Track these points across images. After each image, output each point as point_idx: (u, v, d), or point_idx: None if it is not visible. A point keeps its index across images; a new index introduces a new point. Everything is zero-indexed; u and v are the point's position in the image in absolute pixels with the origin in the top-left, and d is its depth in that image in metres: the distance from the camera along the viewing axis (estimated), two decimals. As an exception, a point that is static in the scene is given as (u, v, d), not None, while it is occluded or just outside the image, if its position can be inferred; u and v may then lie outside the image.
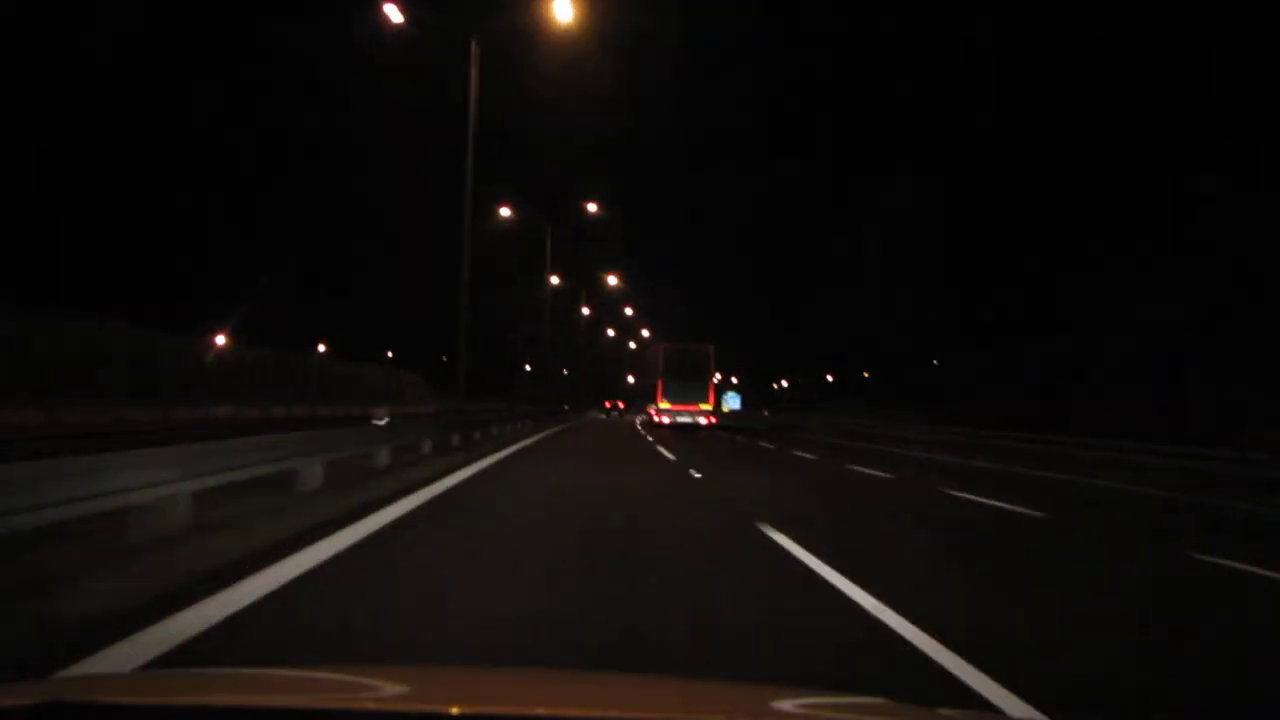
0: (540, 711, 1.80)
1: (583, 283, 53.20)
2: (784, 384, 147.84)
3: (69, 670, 3.43)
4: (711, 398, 41.16)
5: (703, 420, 39.00)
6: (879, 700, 2.03)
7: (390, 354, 79.93)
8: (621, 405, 72.38)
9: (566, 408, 48.82)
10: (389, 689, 2.00)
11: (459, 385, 19.55)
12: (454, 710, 1.61)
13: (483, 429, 19.73)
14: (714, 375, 41.87)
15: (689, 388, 39.31)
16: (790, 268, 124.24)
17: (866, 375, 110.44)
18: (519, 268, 46.50)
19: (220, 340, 31.00)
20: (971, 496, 12.05)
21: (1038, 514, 10.32)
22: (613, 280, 45.84)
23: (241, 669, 3.11)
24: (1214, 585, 6.77)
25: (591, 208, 33.33)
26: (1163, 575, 7.21)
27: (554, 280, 46.18)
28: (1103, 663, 4.34)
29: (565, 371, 76.34)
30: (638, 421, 51.65)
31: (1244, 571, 7.17)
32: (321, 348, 63.75)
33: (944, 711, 1.99)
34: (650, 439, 26.69)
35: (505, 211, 30.29)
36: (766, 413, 59.26)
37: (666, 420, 38.81)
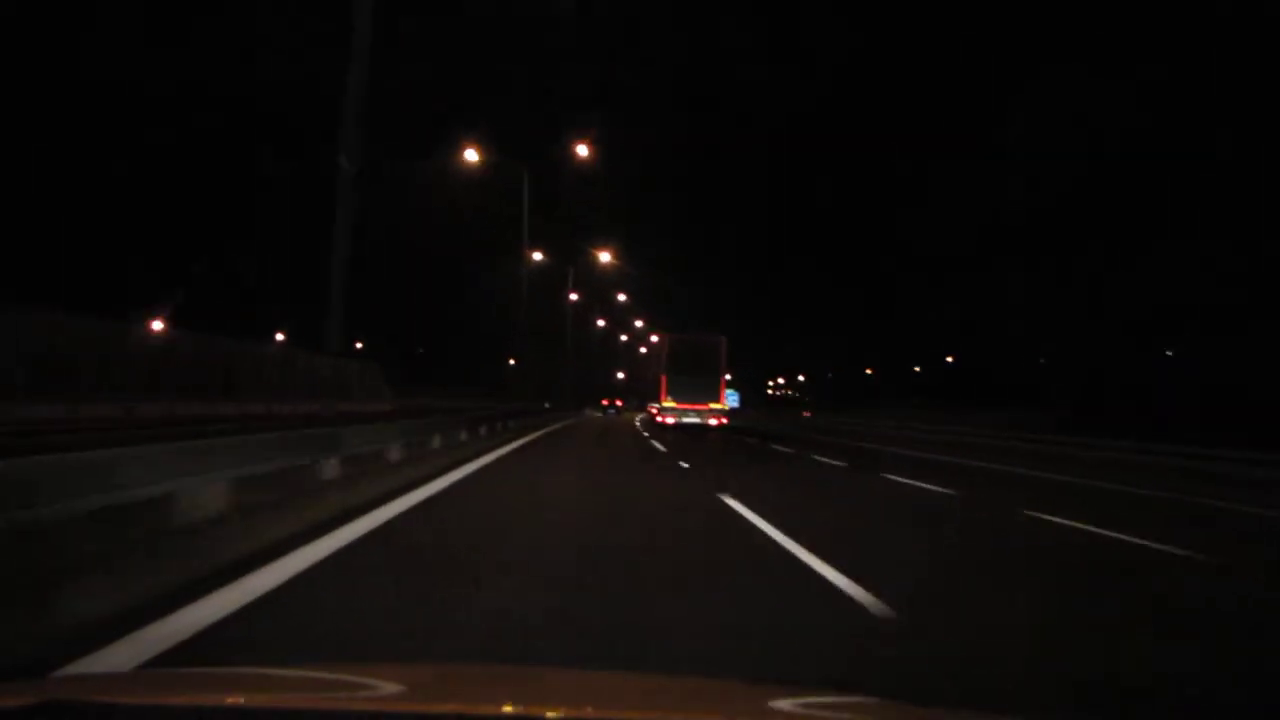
0: (540, 711, 1.78)
1: (570, 259, 46.40)
2: (780, 381, 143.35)
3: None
4: (723, 396, 35.75)
5: (712, 421, 33.76)
6: (878, 700, 2.06)
7: (359, 345, 75.58)
8: (619, 403, 70.18)
9: (547, 405, 41.75)
10: (388, 689, 1.97)
11: (331, 338, 12.60)
12: (454, 710, 1.66)
13: (377, 451, 11.37)
14: (726, 370, 36.24)
15: (698, 384, 33.90)
16: (805, 255, 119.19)
17: (869, 372, 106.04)
18: (503, 246, 39.56)
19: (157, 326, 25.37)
20: None
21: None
22: (605, 257, 39.03)
23: (241, 668, 3.03)
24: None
25: (582, 151, 26.27)
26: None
27: (536, 256, 39.44)
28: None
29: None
30: (637, 420, 46.04)
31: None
32: (280, 337, 60.11)
33: (943, 711, 2.08)
34: (689, 467, 15.84)
35: (472, 154, 23.24)
36: (808, 414, 48.21)
37: (670, 420, 33.86)
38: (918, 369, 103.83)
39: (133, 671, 3.36)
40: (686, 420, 33.71)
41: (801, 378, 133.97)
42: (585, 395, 70.13)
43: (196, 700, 1.68)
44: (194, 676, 2.32)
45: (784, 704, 1.98)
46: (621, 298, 58.50)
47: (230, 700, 1.72)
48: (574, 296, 50.60)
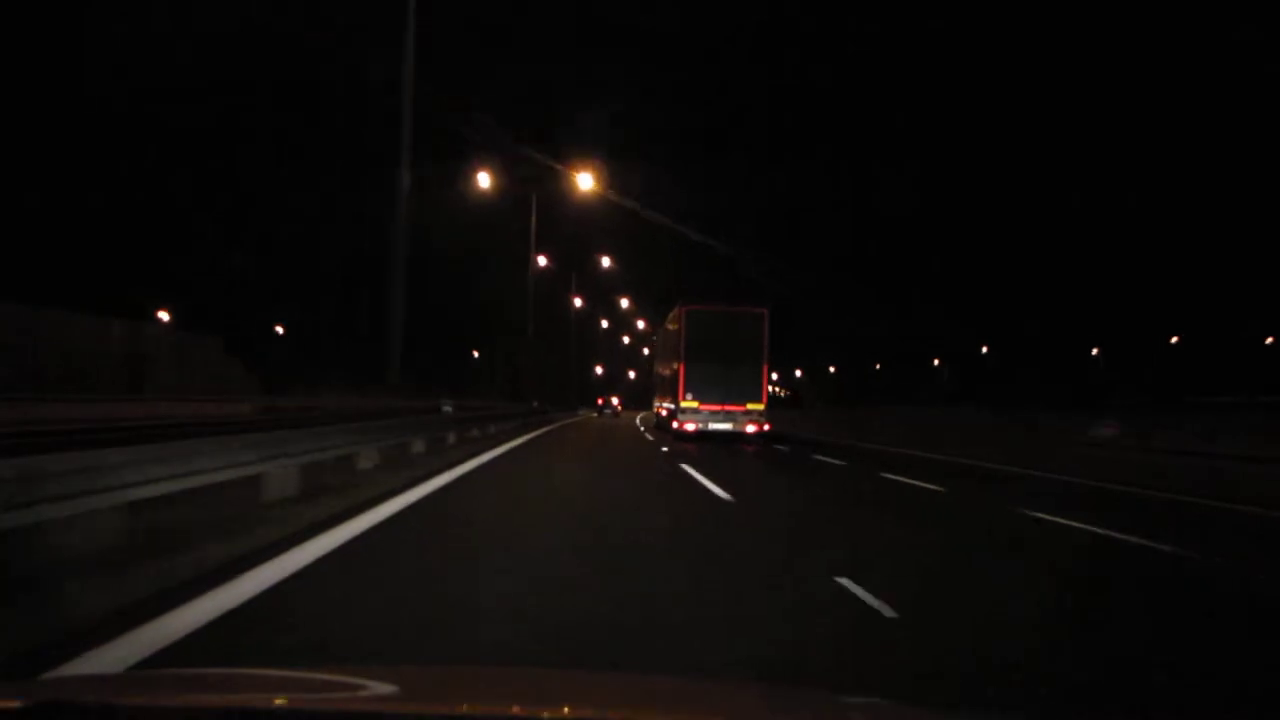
0: (538, 711, 1.75)
1: (536, 183, 33.59)
2: (774, 377, 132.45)
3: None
4: (765, 392, 24.63)
5: (750, 427, 23.88)
6: (878, 700, 2.04)
7: (282, 329, 64.04)
8: (616, 402, 66.29)
9: (447, 409, 28.52)
10: (385, 689, 1.93)
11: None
12: (451, 710, 1.65)
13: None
14: (768, 356, 25.00)
15: (732, 376, 23.88)
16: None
17: (878, 367, 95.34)
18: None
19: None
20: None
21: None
22: (586, 180, 26.43)
23: (237, 669, 3.00)
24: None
25: None
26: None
27: (483, 181, 26.61)
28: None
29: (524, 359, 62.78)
30: (637, 420, 37.44)
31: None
32: (165, 316, 50.42)
33: (944, 711, 2.05)
34: None
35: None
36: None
37: (691, 427, 23.93)
38: (937, 362, 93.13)
39: (128, 672, 3.38)
40: (714, 426, 23.86)
41: (798, 373, 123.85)
42: (563, 392, 59.55)
43: (194, 701, 1.66)
44: (191, 677, 2.29)
45: (784, 704, 1.96)
46: (606, 263, 45.71)
47: (228, 701, 1.69)
48: (543, 261, 37.82)
